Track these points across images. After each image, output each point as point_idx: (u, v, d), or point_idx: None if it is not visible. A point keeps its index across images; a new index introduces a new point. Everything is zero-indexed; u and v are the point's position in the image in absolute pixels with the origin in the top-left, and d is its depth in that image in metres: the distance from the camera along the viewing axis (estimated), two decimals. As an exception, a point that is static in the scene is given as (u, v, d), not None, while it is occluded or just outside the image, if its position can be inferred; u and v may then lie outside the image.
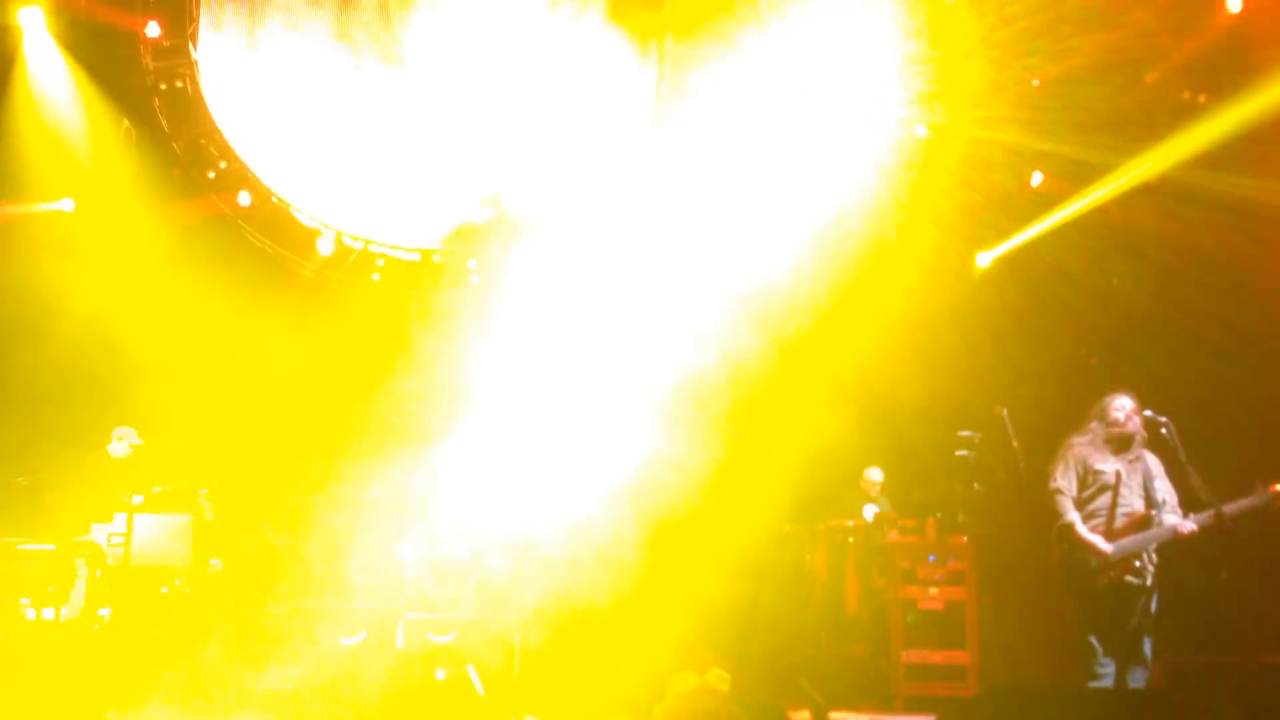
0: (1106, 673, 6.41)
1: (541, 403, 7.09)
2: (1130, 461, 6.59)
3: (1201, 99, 11.40)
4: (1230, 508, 6.30)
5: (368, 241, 12.13)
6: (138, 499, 8.46)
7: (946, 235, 12.42)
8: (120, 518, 8.35)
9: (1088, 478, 6.60)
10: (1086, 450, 6.67)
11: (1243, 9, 10.78)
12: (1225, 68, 11.01)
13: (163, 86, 11.67)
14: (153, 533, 8.39)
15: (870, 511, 10.24)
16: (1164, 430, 6.56)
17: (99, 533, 8.38)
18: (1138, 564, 6.42)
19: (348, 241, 12.06)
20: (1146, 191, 11.84)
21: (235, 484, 10.32)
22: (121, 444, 9.02)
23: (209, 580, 9.08)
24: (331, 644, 6.93)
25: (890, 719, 8.16)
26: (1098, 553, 6.40)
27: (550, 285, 10.57)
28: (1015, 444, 8.93)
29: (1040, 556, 7.52)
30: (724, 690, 5.07)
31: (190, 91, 11.73)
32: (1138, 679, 6.36)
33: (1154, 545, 6.46)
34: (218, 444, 10.21)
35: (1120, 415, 6.62)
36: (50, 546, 8.38)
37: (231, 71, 11.98)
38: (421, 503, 9.46)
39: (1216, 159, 10.74)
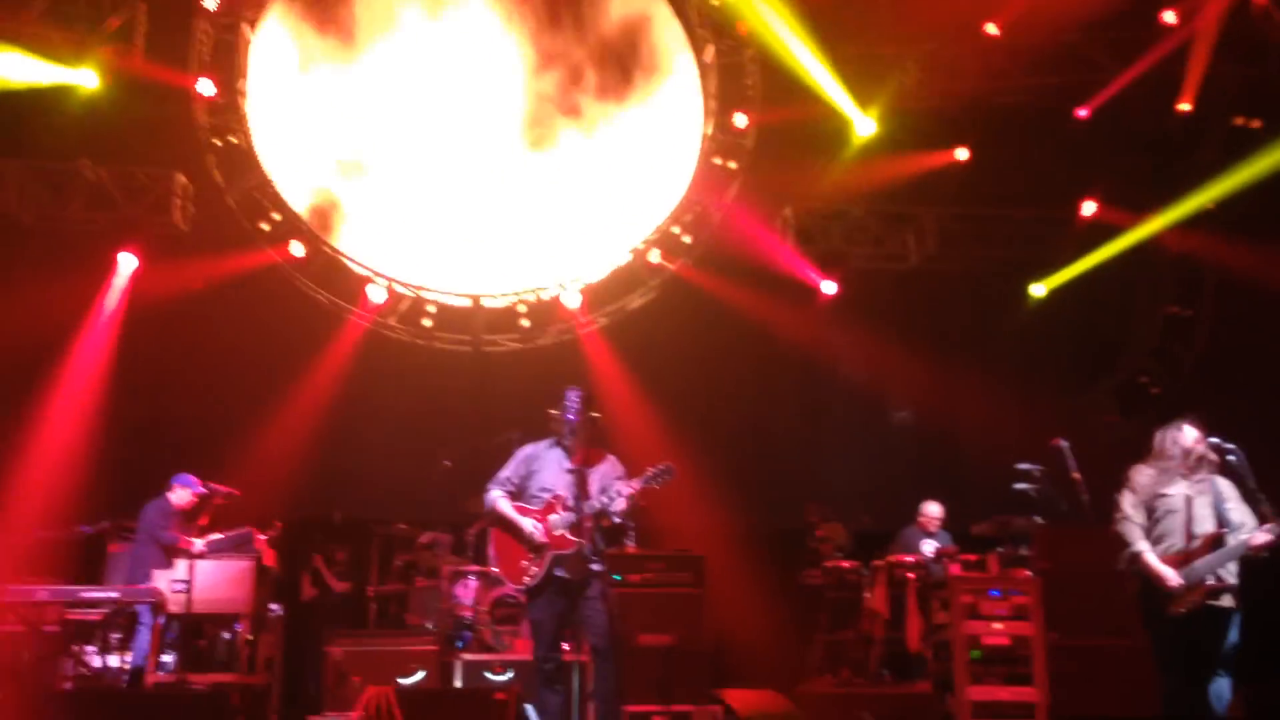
0: (1183, 704, 6.23)
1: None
2: (1198, 483, 6.45)
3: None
4: None
5: (419, 288, 12.25)
6: (199, 545, 8.54)
7: (999, 265, 12.38)
8: (182, 565, 8.42)
9: (1155, 505, 6.47)
10: (1152, 477, 6.53)
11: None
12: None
13: (216, 142, 11.92)
14: (214, 579, 8.45)
15: (930, 546, 10.09)
16: (1232, 458, 6.41)
17: (161, 579, 8.45)
18: (1217, 585, 6.24)
19: (399, 289, 12.18)
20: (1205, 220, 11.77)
21: (295, 529, 10.41)
22: (184, 492, 9.12)
23: (269, 625, 9.13)
24: (390, 684, 6.91)
25: None
26: (1168, 582, 6.26)
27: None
28: (1076, 475, 8.81)
29: (1108, 589, 7.36)
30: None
31: (243, 146, 11.98)
32: (1215, 709, 6.17)
33: (1228, 563, 6.27)
34: (277, 490, 10.28)
35: (1183, 446, 6.49)
36: (114, 594, 8.47)
37: (284, 122, 12.27)
38: (478, 545, 9.49)
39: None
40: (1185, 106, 11.57)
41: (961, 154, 12.31)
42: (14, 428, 10.32)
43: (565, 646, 7.13)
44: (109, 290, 11.36)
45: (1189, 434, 6.55)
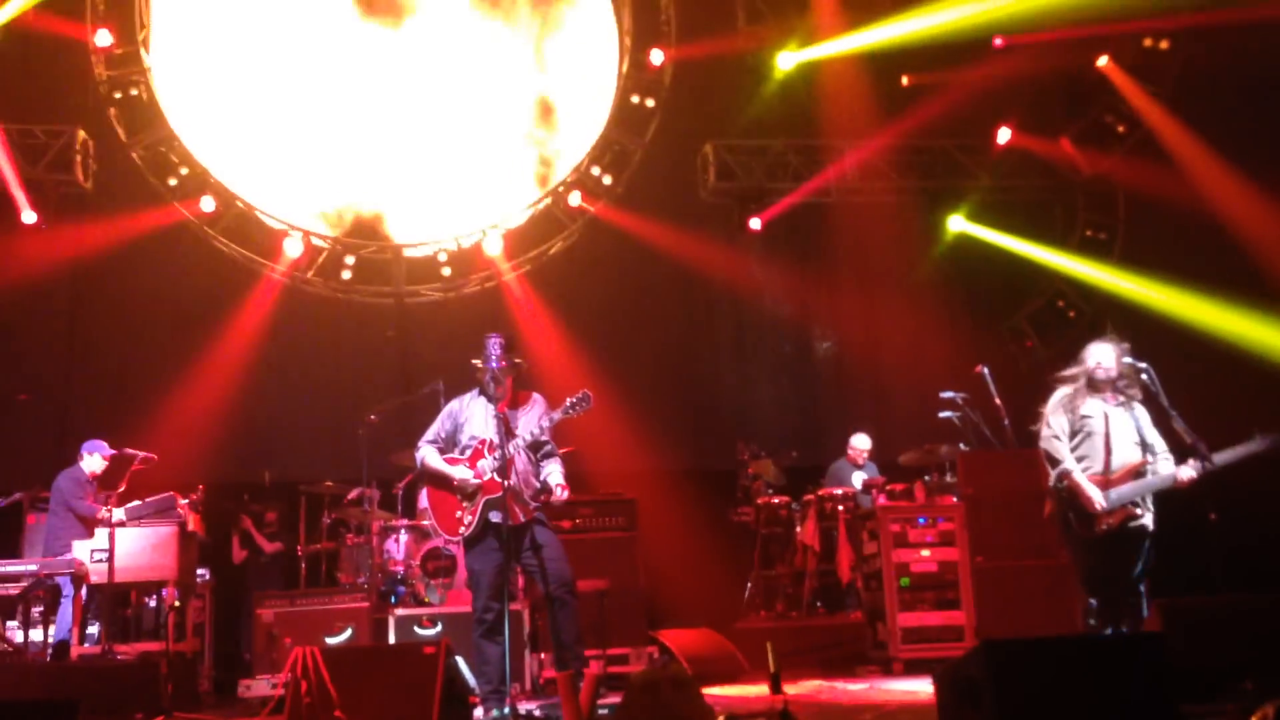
0: (1103, 620, 6.37)
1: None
2: (1118, 405, 6.53)
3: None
4: (1223, 456, 6.23)
5: (336, 240, 12.00)
6: (119, 513, 8.33)
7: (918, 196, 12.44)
8: (102, 533, 8.22)
9: (1077, 424, 6.54)
10: (1072, 397, 6.60)
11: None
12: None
13: (117, 95, 11.52)
14: (136, 546, 8.26)
15: (859, 478, 10.21)
16: (1144, 375, 6.50)
17: (81, 549, 8.26)
18: (1137, 510, 6.36)
19: (316, 241, 11.92)
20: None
21: (220, 492, 10.24)
22: (94, 458, 8.88)
23: (197, 590, 8.99)
24: (319, 644, 6.82)
25: None
26: (1094, 502, 6.34)
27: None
28: (998, 401, 8.92)
29: (1030, 512, 7.48)
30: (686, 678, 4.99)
31: (146, 98, 11.59)
32: (1133, 623, 6.32)
33: (1150, 493, 6.40)
34: (199, 453, 10.09)
35: (1101, 360, 6.56)
36: (32, 566, 8.26)
37: (190, 75, 11.89)
38: (407, 499, 9.40)
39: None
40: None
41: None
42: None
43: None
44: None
45: (1106, 353, 6.60)
